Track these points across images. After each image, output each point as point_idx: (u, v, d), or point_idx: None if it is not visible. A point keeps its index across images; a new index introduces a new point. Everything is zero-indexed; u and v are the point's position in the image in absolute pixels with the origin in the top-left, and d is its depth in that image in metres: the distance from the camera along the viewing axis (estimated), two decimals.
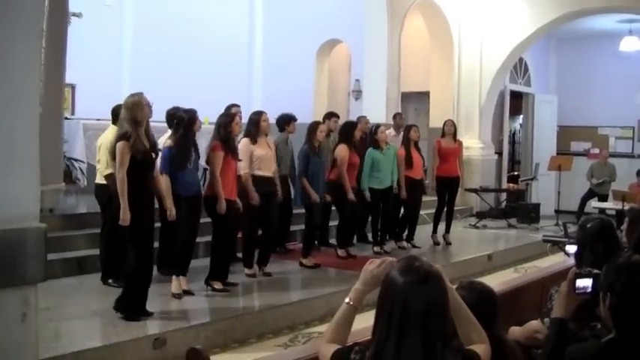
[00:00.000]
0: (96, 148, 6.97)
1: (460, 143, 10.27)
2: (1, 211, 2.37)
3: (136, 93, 5.69)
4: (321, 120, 8.93)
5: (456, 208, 11.24)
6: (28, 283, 2.42)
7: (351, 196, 8.31)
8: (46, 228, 2.48)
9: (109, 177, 6.41)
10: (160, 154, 6.19)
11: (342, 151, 8.37)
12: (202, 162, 7.22)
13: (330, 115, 9.19)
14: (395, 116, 10.75)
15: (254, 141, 7.25)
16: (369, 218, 9.26)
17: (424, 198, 9.98)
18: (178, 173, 6.35)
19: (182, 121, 6.43)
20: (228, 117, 6.88)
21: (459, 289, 2.78)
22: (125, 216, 5.46)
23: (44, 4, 4.42)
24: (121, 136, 5.50)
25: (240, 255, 8.03)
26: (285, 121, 8.35)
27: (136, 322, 5.65)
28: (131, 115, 5.54)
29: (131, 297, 5.73)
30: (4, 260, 2.33)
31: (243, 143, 7.20)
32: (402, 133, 9.62)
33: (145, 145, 5.61)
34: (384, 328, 2.07)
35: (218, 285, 6.75)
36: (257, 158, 7.22)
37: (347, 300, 2.38)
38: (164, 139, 6.76)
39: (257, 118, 7.31)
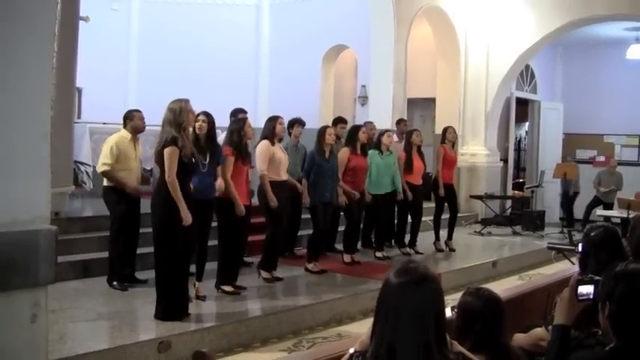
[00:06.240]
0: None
1: (456, 152, 10.33)
2: (14, 213, 2.40)
3: (182, 99, 5.78)
4: (329, 124, 8.92)
5: (460, 215, 11.25)
6: (39, 285, 2.44)
7: (343, 198, 8.27)
8: (57, 230, 2.51)
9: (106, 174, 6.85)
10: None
11: (342, 153, 8.42)
12: None
13: (338, 121, 9.20)
14: (399, 122, 10.78)
15: (272, 143, 7.33)
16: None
17: (429, 204, 9.99)
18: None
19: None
20: (240, 122, 6.97)
21: (466, 295, 2.80)
22: (186, 216, 5.60)
23: (56, 9, 4.46)
24: (171, 141, 5.59)
25: (247, 259, 8.05)
26: (289, 125, 8.37)
27: (142, 326, 5.70)
28: (178, 119, 5.64)
29: (170, 300, 5.80)
30: (17, 262, 2.35)
31: (263, 145, 7.28)
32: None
33: (191, 148, 5.76)
34: (380, 330, 2.10)
35: (229, 288, 6.80)
36: (278, 160, 7.30)
37: (351, 351, 2.32)
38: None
39: (273, 122, 7.38)
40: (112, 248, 6.91)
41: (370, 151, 8.84)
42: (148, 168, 9.52)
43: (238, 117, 7.75)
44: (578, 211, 13.43)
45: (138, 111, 7.16)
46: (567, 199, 13.69)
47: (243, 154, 6.77)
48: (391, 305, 2.08)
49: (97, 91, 11.63)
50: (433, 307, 2.09)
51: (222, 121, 7.26)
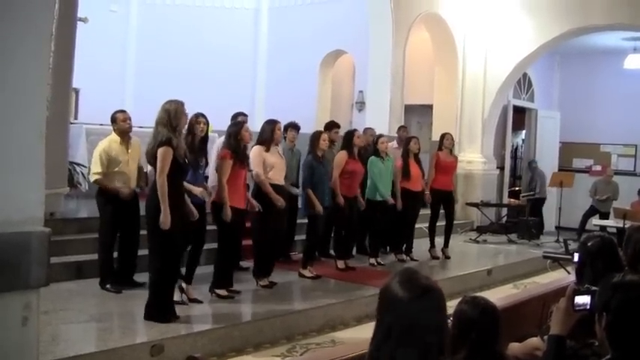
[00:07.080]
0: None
1: (456, 158, 10.31)
2: (6, 214, 2.37)
3: (176, 100, 5.74)
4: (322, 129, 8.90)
5: (456, 222, 11.23)
6: (31, 287, 2.42)
7: (340, 200, 8.26)
8: (50, 232, 2.48)
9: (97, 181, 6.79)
10: None
11: (339, 156, 8.39)
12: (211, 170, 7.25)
13: (331, 126, 9.12)
14: (399, 129, 10.77)
15: (267, 149, 7.29)
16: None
17: (423, 211, 9.97)
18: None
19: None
20: (238, 125, 6.94)
21: (462, 303, 2.78)
22: (166, 219, 5.53)
23: (54, 8, 4.44)
24: (165, 142, 5.55)
25: (244, 264, 8.00)
26: (284, 129, 8.32)
27: (135, 328, 5.68)
28: (172, 121, 5.61)
29: (160, 301, 5.78)
30: (9, 263, 2.33)
31: (256, 150, 7.25)
32: None
33: (184, 150, 5.77)
34: (382, 339, 2.06)
35: (223, 292, 6.77)
36: (270, 166, 7.25)
37: None
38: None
39: (272, 127, 7.35)
40: (101, 250, 6.87)
41: (371, 158, 8.84)
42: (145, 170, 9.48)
43: (237, 120, 7.69)
44: (574, 220, 13.42)
45: (121, 111, 7.05)
46: (534, 204, 13.81)
47: (240, 157, 6.74)
48: (397, 319, 2.03)
49: (95, 92, 11.61)
50: (436, 317, 2.06)
51: (219, 124, 7.23)
